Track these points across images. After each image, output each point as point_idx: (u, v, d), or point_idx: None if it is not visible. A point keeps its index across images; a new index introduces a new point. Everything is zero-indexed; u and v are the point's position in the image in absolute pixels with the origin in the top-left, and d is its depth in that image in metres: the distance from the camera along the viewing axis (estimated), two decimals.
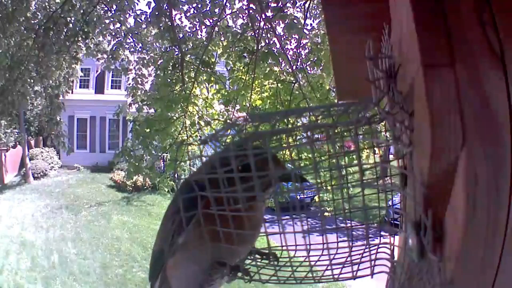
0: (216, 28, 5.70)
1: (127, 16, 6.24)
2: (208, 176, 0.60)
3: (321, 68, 5.56)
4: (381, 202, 0.60)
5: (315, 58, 5.53)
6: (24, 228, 11.02)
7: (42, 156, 16.59)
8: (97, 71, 17.12)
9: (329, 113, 0.56)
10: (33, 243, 10.12)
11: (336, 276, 0.60)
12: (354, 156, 0.53)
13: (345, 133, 0.55)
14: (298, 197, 0.63)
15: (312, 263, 0.64)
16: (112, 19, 6.24)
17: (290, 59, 5.38)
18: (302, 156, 0.84)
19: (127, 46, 6.40)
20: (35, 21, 6.45)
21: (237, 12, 5.82)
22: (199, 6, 5.70)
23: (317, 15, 5.92)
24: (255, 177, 0.56)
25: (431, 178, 0.45)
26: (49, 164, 16.52)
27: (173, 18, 5.70)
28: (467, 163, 0.42)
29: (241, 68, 5.82)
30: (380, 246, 0.62)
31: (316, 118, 0.60)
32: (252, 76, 5.38)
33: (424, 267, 0.47)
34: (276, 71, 5.65)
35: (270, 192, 0.64)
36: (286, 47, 5.55)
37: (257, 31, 5.27)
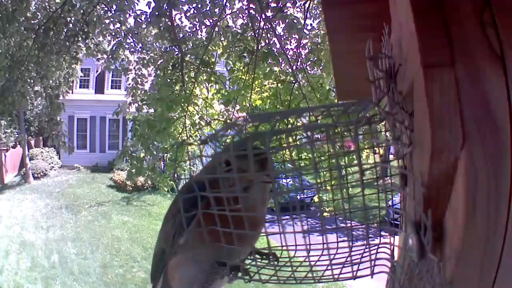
0: (216, 28, 5.70)
1: (127, 16, 6.24)
2: (207, 177, 0.60)
3: (321, 68, 5.56)
4: (381, 202, 0.60)
5: (315, 58, 5.53)
6: (24, 228, 11.01)
7: (42, 156, 16.59)
8: (97, 71, 17.11)
9: (329, 113, 0.56)
10: (33, 243, 10.11)
11: (336, 276, 0.60)
12: (354, 156, 0.53)
13: (345, 133, 0.55)
14: (298, 197, 0.63)
15: (312, 263, 0.64)
16: (112, 19, 6.24)
17: (290, 59, 5.38)
18: (302, 156, 0.84)
19: (127, 46, 6.39)
20: (35, 21, 6.45)
21: (237, 12, 5.82)
22: (199, 6, 5.70)
23: (317, 15, 5.92)
24: (237, 178, 0.57)
25: (431, 178, 0.45)
26: (49, 164, 16.52)
27: (173, 18, 5.70)
28: (467, 163, 0.42)
29: (241, 68, 5.82)
30: (380, 246, 0.62)
31: (316, 118, 0.60)
32: (252, 76, 5.38)
33: (424, 267, 0.47)
34: (276, 71, 5.64)
35: (255, 192, 0.63)
36: (286, 47, 5.55)
37: (257, 31, 5.27)
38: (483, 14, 0.44)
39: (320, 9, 5.54)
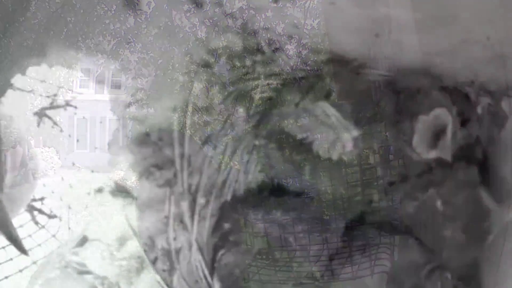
0: (216, 28, 5.70)
1: (127, 16, 6.23)
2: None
3: (321, 68, 5.56)
4: (381, 202, 0.60)
5: (315, 58, 5.53)
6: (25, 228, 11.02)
7: (42, 156, 16.63)
8: (97, 71, 17.13)
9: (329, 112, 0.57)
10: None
11: (336, 276, 0.60)
12: (354, 156, 0.54)
13: (346, 133, 0.55)
14: (302, 196, 0.64)
15: (312, 263, 0.64)
16: (112, 19, 6.24)
17: (290, 59, 5.38)
18: (302, 156, 0.85)
19: (127, 46, 6.39)
20: (35, 21, 6.45)
21: (237, 12, 5.82)
22: (199, 6, 5.69)
23: (317, 15, 5.92)
24: None
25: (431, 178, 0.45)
26: (49, 164, 16.56)
27: (173, 18, 5.70)
28: (466, 163, 0.42)
29: (241, 68, 5.81)
30: (380, 246, 0.62)
31: (316, 118, 0.60)
32: (252, 76, 5.38)
33: (423, 266, 0.47)
34: (276, 71, 5.64)
35: None
36: (286, 47, 5.55)
37: (257, 31, 5.27)
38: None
39: (320, 9, 5.54)
